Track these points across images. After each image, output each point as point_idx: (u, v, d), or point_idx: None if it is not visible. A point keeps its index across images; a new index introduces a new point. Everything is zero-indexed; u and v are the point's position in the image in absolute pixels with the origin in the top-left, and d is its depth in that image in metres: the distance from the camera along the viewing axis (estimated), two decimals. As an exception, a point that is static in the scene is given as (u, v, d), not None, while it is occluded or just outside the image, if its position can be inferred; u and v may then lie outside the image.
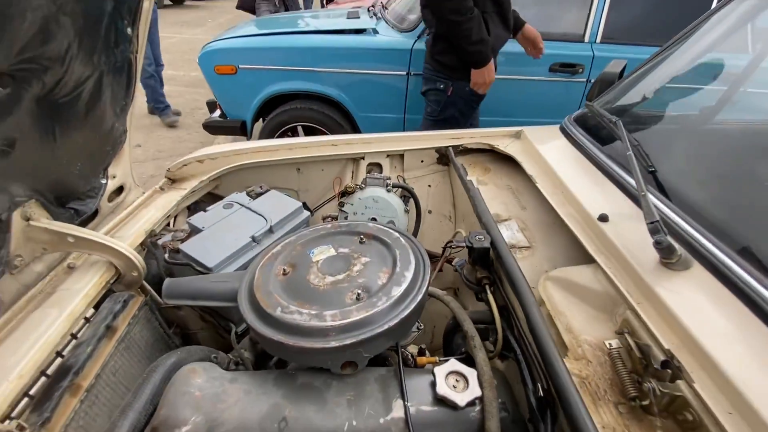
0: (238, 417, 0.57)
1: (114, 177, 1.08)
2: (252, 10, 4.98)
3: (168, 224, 1.11)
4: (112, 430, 0.58)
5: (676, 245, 0.61)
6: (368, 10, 2.93)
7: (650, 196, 0.70)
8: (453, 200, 1.27)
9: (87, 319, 0.81)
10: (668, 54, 1.09)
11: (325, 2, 8.42)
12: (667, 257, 0.60)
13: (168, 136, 4.01)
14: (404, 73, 2.41)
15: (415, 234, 1.17)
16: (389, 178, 1.11)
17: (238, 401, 0.58)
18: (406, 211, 1.11)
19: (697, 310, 0.56)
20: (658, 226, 0.62)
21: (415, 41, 2.35)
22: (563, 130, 1.14)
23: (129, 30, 0.86)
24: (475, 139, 1.24)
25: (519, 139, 1.22)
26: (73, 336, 0.77)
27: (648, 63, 1.14)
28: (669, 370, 0.49)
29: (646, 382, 0.51)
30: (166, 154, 3.58)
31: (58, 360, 0.72)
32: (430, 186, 1.28)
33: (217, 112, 2.75)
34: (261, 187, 1.09)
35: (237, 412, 0.57)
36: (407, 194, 1.13)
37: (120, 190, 1.12)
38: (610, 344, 0.58)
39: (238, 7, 5.09)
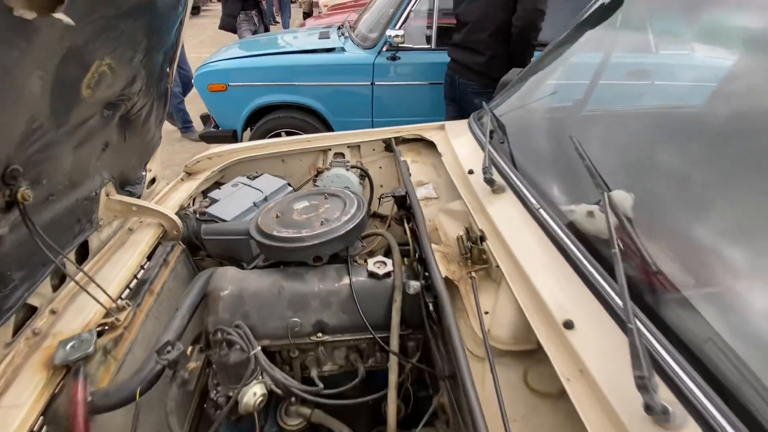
0: (254, 287, 1.01)
1: (150, 171, 1.51)
2: (233, 30, 5.42)
3: (191, 203, 1.54)
4: (182, 305, 1.02)
5: (499, 182, 1.08)
6: (338, 29, 3.40)
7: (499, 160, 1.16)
8: (398, 176, 1.73)
9: (148, 258, 1.24)
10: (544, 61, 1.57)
11: (303, 18, 8.91)
12: (490, 185, 1.08)
13: (164, 148, 4.40)
14: (369, 83, 2.88)
15: (369, 202, 1.62)
16: (348, 162, 1.57)
17: (254, 280, 1.03)
18: (362, 185, 1.57)
19: (502, 213, 1.02)
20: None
21: (376, 56, 2.83)
22: (469, 125, 1.60)
23: (168, 69, 1.30)
24: (411, 132, 1.71)
25: (442, 131, 1.69)
26: (142, 267, 1.20)
27: (527, 68, 1.62)
28: (480, 239, 0.96)
29: (468, 244, 0.97)
30: (165, 164, 3.98)
31: (140, 274, 1.15)
32: (381, 168, 1.74)
33: (210, 125, 3.18)
34: (257, 172, 1.54)
35: (253, 285, 1.01)
36: (363, 173, 1.59)
37: (153, 180, 1.55)
38: (459, 234, 1.04)
39: (220, 28, 5.52)
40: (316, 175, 1.56)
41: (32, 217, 0.84)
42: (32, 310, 0.99)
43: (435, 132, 1.68)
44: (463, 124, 1.64)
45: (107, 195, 1.23)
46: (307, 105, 2.91)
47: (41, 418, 0.79)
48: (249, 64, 2.89)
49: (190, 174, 1.67)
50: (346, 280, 1.03)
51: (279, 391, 0.90)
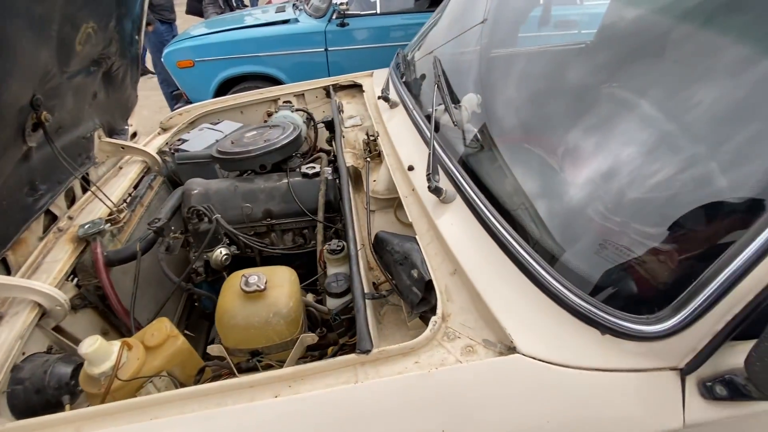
0: (216, 187, 1.39)
1: (131, 125, 1.85)
2: (200, 14, 5.60)
3: (167, 147, 1.90)
4: (166, 203, 1.39)
5: (394, 100, 1.46)
6: (293, 5, 3.68)
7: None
8: (338, 117, 2.09)
9: (136, 186, 1.60)
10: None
11: (268, -2, 8.97)
12: (387, 102, 1.45)
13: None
14: (323, 49, 3.20)
15: (315, 139, 1.99)
16: (293, 106, 1.93)
17: (215, 183, 1.41)
18: (306, 123, 1.93)
19: (391, 121, 1.40)
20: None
21: (327, 24, 3.13)
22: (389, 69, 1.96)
23: (136, 37, 1.62)
24: (347, 79, 2.07)
25: (371, 77, 2.05)
26: (134, 188, 1.56)
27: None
28: (375, 138, 1.34)
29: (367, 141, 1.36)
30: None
31: (132, 193, 1.52)
32: (324, 112, 2.10)
33: (180, 103, 3.48)
34: (218, 120, 1.90)
35: (215, 186, 1.39)
36: (307, 114, 1.95)
37: (134, 135, 1.89)
38: (363, 138, 1.42)
39: (187, 13, 5.69)
40: (267, 118, 1.92)
41: (54, 142, 1.20)
42: (54, 218, 1.35)
43: (365, 78, 2.04)
44: (387, 70, 2.00)
45: (99, 138, 1.59)
46: (269, 74, 3.23)
47: (73, 268, 1.17)
48: (213, 40, 3.18)
49: (165, 129, 2.01)
50: (284, 180, 1.41)
51: (238, 252, 1.29)
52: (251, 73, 3.23)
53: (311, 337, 0.88)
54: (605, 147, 0.98)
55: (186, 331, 1.34)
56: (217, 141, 1.72)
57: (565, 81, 1.33)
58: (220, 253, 1.26)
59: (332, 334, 1.00)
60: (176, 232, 1.31)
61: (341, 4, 2.96)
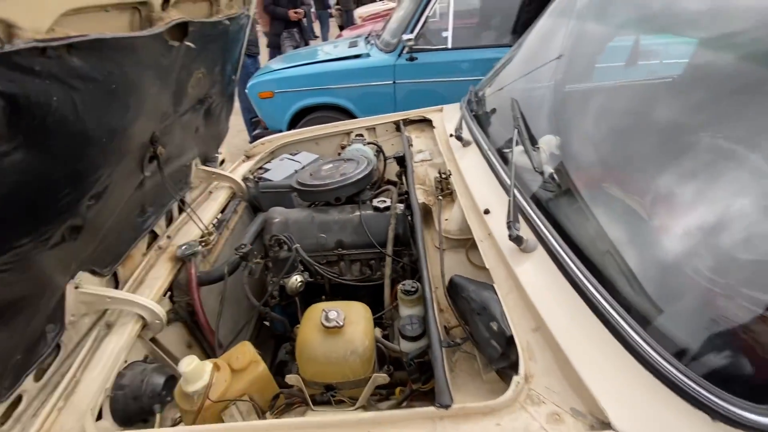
0: (295, 217, 1.48)
1: (221, 153, 2.05)
2: (278, 47, 6.13)
3: (251, 175, 2.07)
4: (249, 229, 1.51)
5: (467, 138, 1.47)
6: (365, 38, 3.90)
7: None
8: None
9: (223, 210, 1.76)
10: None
11: (339, 30, 9.60)
12: (460, 141, 1.46)
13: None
14: (391, 82, 3.33)
15: (383, 170, 2.05)
16: (365, 139, 2.02)
17: (295, 213, 1.50)
18: (376, 156, 2.00)
19: (465, 161, 1.41)
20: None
21: (397, 59, 3.27)
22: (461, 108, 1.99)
23: (233, 77, 1.82)
24: (417, 114, 2.13)
25: (441, 112, 2.09)
26: (222, 212, 1.72)
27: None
28: (447, 176, 1.35)
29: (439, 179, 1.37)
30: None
31: (219, 216, 1.67)
32: (392, 144, 2.16)
33: (258, 129, 3.80)
34: (297, 151, 2.04)
35: (294, 216, 1.48)
36: (377, 148, 2.03)
37: (222, 161, 2.09)
38: (435, 175, 1.44)
39: (267, 46, 6.26)
40: (341, 150, 2.02)
41: (162, 172, 1.37)
42: (155, 236, 1.52)
43: (435, 113, 2.09)
44: (458, 105, 2.03)
45: (196, 165, 1.78)
46: (339, 105, 3.42)
47: (170, 285, 1.30)
48: (292, 73, 3.46)
49: (248, 157, 2.20)
50: (357, 212, 1.47)
51: (312, 279, 1.36)
52: (323, 103, 3.45)
53: (383, 378, 0.89)
54: (711, 196, 0.90)
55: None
56: (296, 171, 1.84)
57: (655, 119, 1.25)
58: (296, 280, 1.33)
59: (400, 372, 1.00)
60: (258, 257, 1.40)
61: (409, 39, 3.09)
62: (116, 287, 1.29)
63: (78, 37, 0.72)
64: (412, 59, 3.22)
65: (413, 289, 0.98)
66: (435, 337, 0.80)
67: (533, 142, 1.24)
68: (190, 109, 1.51)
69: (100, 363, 1.00)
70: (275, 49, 6.19)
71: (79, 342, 1.09)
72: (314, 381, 0.90)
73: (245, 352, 0.97)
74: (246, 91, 3.55)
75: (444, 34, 3.19)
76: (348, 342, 0.88)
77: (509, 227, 0.90)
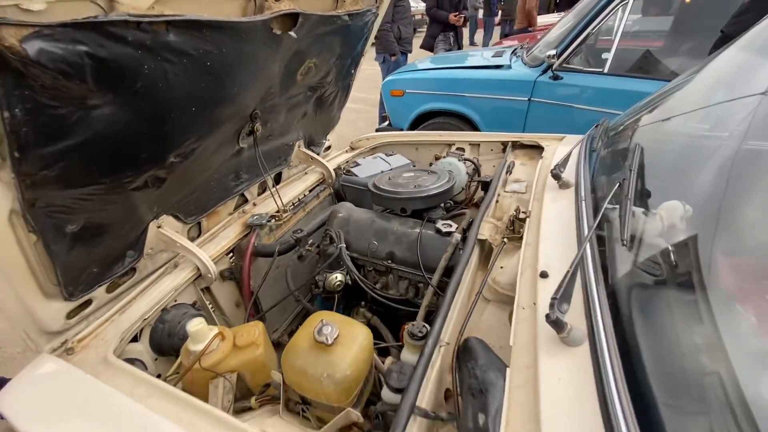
0: (357, 216, 1.46)
1: (329, 140, 2.18)
2: (431, 49, 6.23)
3: (346, 165, 2.15)
4: (316, 216, 1.56)
5: (567, 180, 1.22)
6: (512, 51, 3.64)
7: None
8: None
9: (310, 191, 1.86)
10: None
11: (500, 38, 9.27)
12: (557, 180, 1.22)
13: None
14: (526, 99, 3.03)
15: (474, 191, 1.88)
16: (463, 154, 1.87)
17: (359, 213, 1.49)
18: (470, 175, 1.85)
19: (553, 203, 1.16)
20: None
21: (539, 74, 2.96)
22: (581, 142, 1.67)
23: (352, 71, 1.90)
24: (530, 139, 1.88)
25: (559, 141, 1.80)
26: (310, 191, 1.82)
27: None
28: (523, 218, 1.15)
29: (512, 218, 1.17)
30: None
31: (301, 197, 1.77)
32: (494, 165, 1.96)
33: (386, 123, 3.92)
34: (392, 152, 2.02)
35: (357, 215, 1.47)
36: (474, 165, 1.87)
37: (329, 147, 2.21)
38: (512, 212, 1.24)
39: (421, 47, 6.43)
40: (434, 161, 1.93)
41: (258, 145, 1.51)
42: (245, 200, 1.70)
43: (552, 141, 1.81)
44: (577, 139, 1.72)
45: (299, 147, 1.92)
46: (465, 114, 3.28)
47: (233, 247, 1.44)
48: (423, 75, 3.46)
49: (353, 148, 2.29)
50: (417, 229, 1.38)
51: (350, 281, 1.33)
52: (449, 110, 3.36)
53: (356, 416, 0.80)
54: None
55: (287, 337, 1.48)
56: (382, 171, 1.83)
57: None
58: (335, 278, 1.32)
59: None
60: (312, 245, 1.44)
61: (552, 56, 2.75)
62: (199, 235, 1.48)
63: (172, 16, 0.81)
64: (556, 78, 2.86)
65: (420, 334, 0.85)
66: (410, 399, 0.68)
67: (647, 204, 0.95)
68: (299, 94, 1.63)
69: (153, 294, 1.16)
70: (429, 51, 6.31)
71: (153, 272, 1.30)
72: (292, 388, 0.87)
73: (252, 332, 1.00)
74: (381, 87, 3.70)
75: (605, 55, 2.74)
76: (328, 363, 0.82)
77: (552, 305, 0.70)
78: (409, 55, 5.11)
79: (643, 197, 0.98)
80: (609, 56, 2.71)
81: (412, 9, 7.63)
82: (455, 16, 5.76)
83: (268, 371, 1.00)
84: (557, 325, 0.68)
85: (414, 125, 3.64)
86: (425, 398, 0.73)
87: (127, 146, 0.92)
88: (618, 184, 0.91)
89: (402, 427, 0.63)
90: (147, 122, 0.92)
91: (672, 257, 0.81)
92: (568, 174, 1.26)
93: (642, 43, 2.97)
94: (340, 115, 2.10)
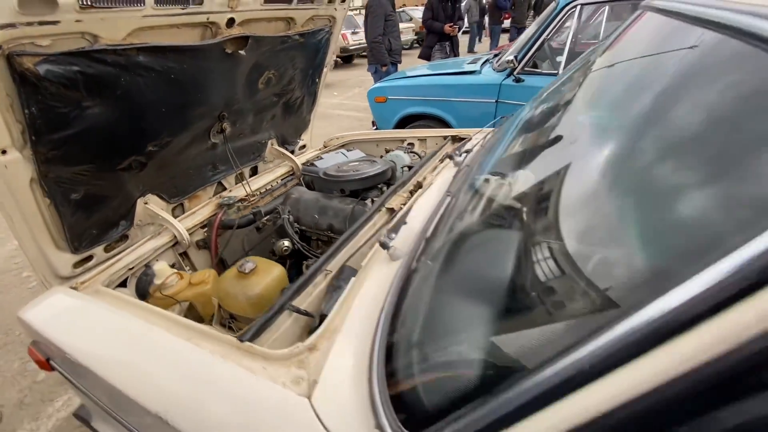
0: (306, 197, 1.80)
1: (303, 140, 2.53)
2: (428, 59, 6.56)
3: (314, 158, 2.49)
4: (275, 200, 1.90)
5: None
6: (487, 59, 3.92)
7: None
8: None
9: (281, 180, 2.21)
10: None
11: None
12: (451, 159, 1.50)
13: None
14: (494, 101, 3.31)
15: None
16: (410, 148, 2.18)
17: (307, 194, 1.82)
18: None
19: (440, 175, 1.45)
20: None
21: (504, 78, 3.23)
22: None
23: (317, 79, 2.25)
24: (466, 132, 2.16)
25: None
26: (281, 181, 2.17)
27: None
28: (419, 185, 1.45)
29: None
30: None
31: (269, 186, 2.12)
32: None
33: (374, 128, 4.27)
34: (353, 148, 2.35)
35: (306, 196, 1.80)
36: (417, 155, 2.17)
37: (303, 146, 2.56)
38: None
39: (419, 57, 6.78)
40: (384, 154, 2.25)
41: (229, 142, 1.87)
42: (223, 188, 2.06)
43: (483, 132, 2.09)
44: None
45: (271, 144, 2.28)
46: (440, 116, 3.58)
47: (206, 221, 1.79)
48: (403, 83, 3.79)
49: (325, 146, 2.63)
50: (351, 205, 1.69)
51: (294, 247, 1.65)
52: (427, 113, 3.66)
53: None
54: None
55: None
56: (336, 163, 2.16)
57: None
58: (283, 244, 1.65)
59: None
60: (269, 220, 1.78)
61: (510, 61, 3.02)
62: (183, 212, 1.85)
63: (140, 44, 1.18)
64: (518, 80, 3.13)
65: (310, 264, 1.17)
66: (285, 297, 0.99)
67: (503, 175, 1.23)
68: (264, 99, 1.99)
69: (137, 252, 1.52)
70: (426, 60, 6.64)
71: (141, 239, 1.66)
72: (223, 308, 1.20)
73: (203, 275, 1.33)
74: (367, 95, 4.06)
75: (559, 58, 2.99)
76: (245, 286, 1.14)
77: (385, 234, 1.00)
78: (399, 65, 5.46)
79: (500, 169, 1.26)
80: (562, 59, 2.96)
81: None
82: (450, 26, 6.07)
83: (213, 304, 1.33)
84: (383, 245, 0.98)
85: (397, 129, 3.96)
86: (304, 303, 1.04)
87: (112, 136, 1.28)
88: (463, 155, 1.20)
89: (273, 312, 0.94)
90: (127, 118, 1.29)
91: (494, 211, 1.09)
92: (464, 158, 1.55)
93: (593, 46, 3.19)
94: (310, 117, 2.45)
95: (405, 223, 1.17)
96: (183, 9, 1.27)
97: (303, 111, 2.35)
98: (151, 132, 1.42)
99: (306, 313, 1.01)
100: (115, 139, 1.31)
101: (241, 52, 1.54)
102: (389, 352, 0.71)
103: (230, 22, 1.47)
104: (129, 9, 1.12)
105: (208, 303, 1.31)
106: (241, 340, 0.87)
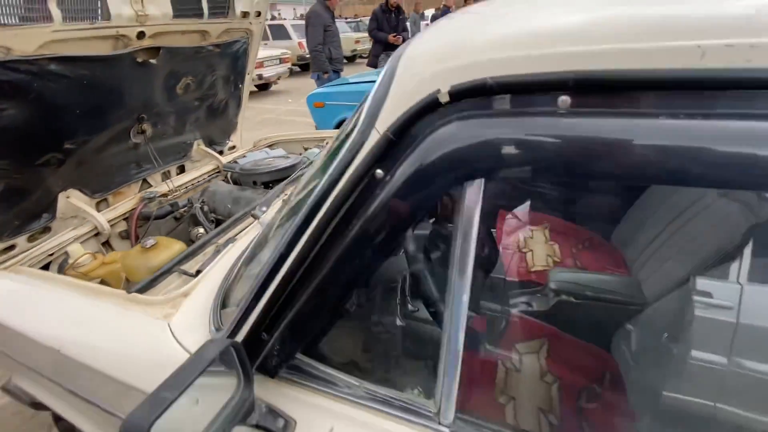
0: (221, 189, 2.01)
1: (232, 141, 2.73)
2: (376, 66, 6.89)
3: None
4: (195, 194, 2.11)
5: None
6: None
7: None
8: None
9: (206, 176, 2.40)
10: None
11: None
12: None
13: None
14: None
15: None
16: (324, 145, 2.45)
17: (223, 187, 2.04)
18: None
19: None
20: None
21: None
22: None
23: (240, 85, 2.46)
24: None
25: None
26: (207, 177, 2.37)
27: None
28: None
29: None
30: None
31: (194, 182, 2.32)
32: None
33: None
34: (274, 147, 2.59)
35: (222, 188, 2.02)
36: (333, 155, 2.44)
37: (233, 147, 2.77)
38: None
39: (367, 65, 7.11)
40: (303, 151, 2.50)
41: (152, 143, 2.05)
42: (146, 185, 2.23)
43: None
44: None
45: (198, 145, 2.47)
46: (373, 120, 3.89)
47: (127, 215, 1.96)
48: (337, 90, 4.08)
49: (255, 146, 2.85)
50: (261, 195, 1.93)
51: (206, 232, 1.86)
52: (361, 117, 3.96)
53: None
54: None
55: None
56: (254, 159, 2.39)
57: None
58: (198, 230, 1.86)
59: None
60: (187, 211, 1.98)
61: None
62: (107, 207, 2.01)
63: (49, 55, 1.37)
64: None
65: (199, 235, 1.40)
66: (173, 262, 1.21)
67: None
68: (186, 103, 2.19)
69: (58, 240, 1.68)
70: (374, 68, 6.96)
71: (64, 230, 1.82)
72: (130, 280, 1.40)
73: (115, 255, 1.53)
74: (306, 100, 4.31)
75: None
76: (147, 258, 1.35)
77: (258, 207, 1.25)
78: (341, 73, 5.75)
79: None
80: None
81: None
82: (394, 36, 6.44)
83: (121, 281, 1.53)
84: (254, 216, 1.23)
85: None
86: (194, 268, 1.27)
87: (27, 134, 1.46)
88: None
89: (161, 272, 1.17)
90: (41, 119, 1.47)
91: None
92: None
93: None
94: (237, 120, 2.67)
95: (278, 198, 1.42)
96: (92, 24, 1.48)
97: (229, 114, 2.56)
98: (67, 131, 1.60)
99: (187, 273, 1.24)
100: (31, 137, 1.48)
101: (152, 61, 1.75)
102: (226, 291, 0.96)
103: (141, 35, 1.68)
104: (38, 26, 1.31)
105: (117, 279, 1.50)
106: (129, 292, 1.09)
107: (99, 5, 1.47)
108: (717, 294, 1.01)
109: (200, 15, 1.90)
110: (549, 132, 0.38)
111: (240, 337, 0.71)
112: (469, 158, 0.42)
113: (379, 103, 0.51)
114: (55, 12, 1.31)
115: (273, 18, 17.48)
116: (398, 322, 0.83)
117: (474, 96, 0.41)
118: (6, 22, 1.22)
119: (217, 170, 2.47)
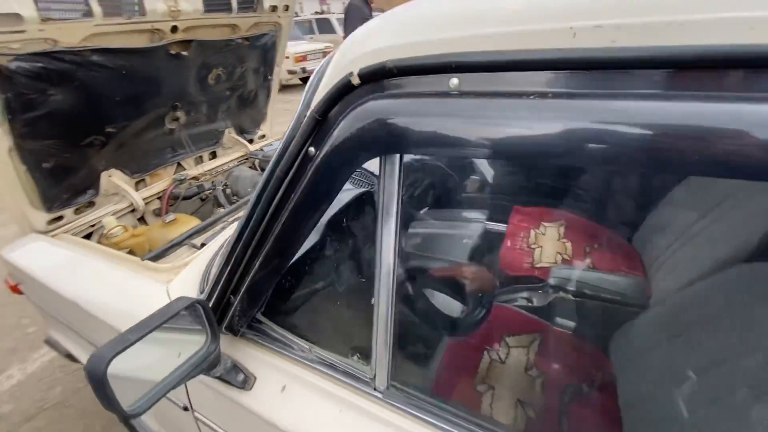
0: (245, 174, 2.15)
1: (261, 131, 2.88)
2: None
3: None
4: (220, 178, 2.26)
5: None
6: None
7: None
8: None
9: (235, 162, 2.56)
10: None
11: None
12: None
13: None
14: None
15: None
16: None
17: (247, 172, 2.17)
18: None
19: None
20: None
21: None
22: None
23: (269, 76, 2.59)
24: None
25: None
26: (237, 162, 2.53)
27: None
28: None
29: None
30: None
31: (224, 167, 2.48)
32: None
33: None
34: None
35: (245, 173, 2.15)
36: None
37: (263, 136, 2.92)
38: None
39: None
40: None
41: (186, 129, 2.23)
42: (181, 168, 2.42)
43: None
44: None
45: (229, 133, 2.63)
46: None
47: (160, 195, 2.15)
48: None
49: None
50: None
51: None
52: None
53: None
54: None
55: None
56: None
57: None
58: (219, 210, 2.00)
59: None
60: (211, 192, 2.14)
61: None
62: (145, 186, 2.22)
63: (93, 46, 1.54)
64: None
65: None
66: (185, 235, 1.34)
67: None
68: (218, 93, 2.34)
69: (98, 213, 1.89)
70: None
71: (107, 205, 2.03)
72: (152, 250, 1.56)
73: (143, 229, 1.69)
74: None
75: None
76: (166, 232, 1.50)
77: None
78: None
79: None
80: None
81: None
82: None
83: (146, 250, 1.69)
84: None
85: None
86: (201, 241, 1.39)
87: (72, 117, 1.65)
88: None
89: (173, 243, 1.29)
90: (85, 104, 1.65)
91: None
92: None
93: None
94: (266, 111, 2.81)
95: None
96: (129, 19, 1.64)
97: (259, 104, 2.70)
98: (107, 116, 1.78)
99: (194, 246, 1.36)
100: (76, 120, 1.67)
101: (185, 53, 1.90)
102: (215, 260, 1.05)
103: (174, 29, 1.82)
104: (81, 20, 1.48)
105: (144, 251, 1.67)
106: (142, 260, 1.23)
107: (136, 1, 1.62)
108: (718, 296, 0.98)
109: (229, 10, 2.03)
110: (438, 112, 0.41)
111: (214, 298, 0.79)
112: (373, 137, 0.45)
113: (315, 88, 0.55)
114: (96, 8, 1.47)
115: (322, 12, 17.87)
116: (340, 290, 0.88)
117: (378, 79, 0.44)
118: (53, 17, 1.39)
119: (245, 157, 2.62)
